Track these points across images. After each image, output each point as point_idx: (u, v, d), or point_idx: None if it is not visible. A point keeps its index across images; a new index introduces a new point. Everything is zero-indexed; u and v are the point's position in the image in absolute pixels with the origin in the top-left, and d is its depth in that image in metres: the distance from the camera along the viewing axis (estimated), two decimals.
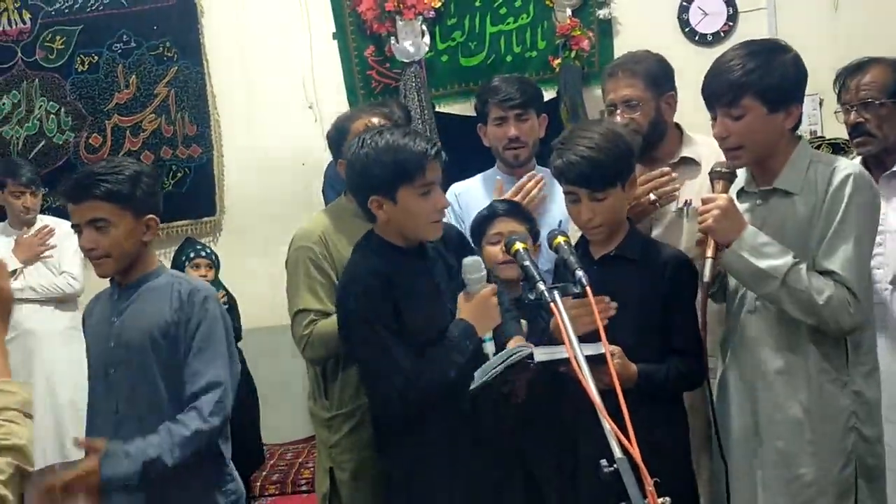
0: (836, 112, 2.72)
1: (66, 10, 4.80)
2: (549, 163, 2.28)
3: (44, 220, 4.30)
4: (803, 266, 2.02)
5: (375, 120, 2.53)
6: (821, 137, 3.94)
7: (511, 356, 1.97)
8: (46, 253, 4.17)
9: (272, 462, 4.66)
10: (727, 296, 2.27)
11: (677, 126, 2.68)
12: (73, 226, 2.22)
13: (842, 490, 2.06)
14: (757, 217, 2.13)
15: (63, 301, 4.16)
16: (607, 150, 2.15)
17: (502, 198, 2.75)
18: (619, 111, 2.57)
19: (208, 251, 4.16)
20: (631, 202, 2.39)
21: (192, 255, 4.11)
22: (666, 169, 2.54)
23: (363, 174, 2.10)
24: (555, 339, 2.17)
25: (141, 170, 2.23)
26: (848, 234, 2.00)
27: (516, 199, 2.73)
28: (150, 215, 2.22)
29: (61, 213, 4.46)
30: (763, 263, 2.02)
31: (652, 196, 2.49)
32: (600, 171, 2.15)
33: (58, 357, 3.96)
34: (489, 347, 2.13)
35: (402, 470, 2.22)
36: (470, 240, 2.54)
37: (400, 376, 2.04)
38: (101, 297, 2.38)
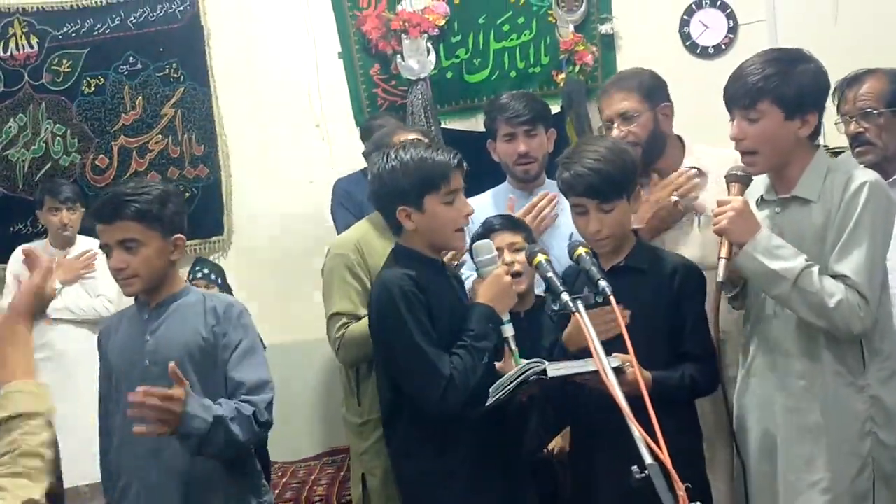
0: (836, 123, 2.77)
1: (73, 34, 4.81)
2: (556, 177, 2.32)
3: (83, 241, 4.28)
4: (815, 269, 2.05)
5: (413, 136, 2.60)
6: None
7: (524, 373, 2.00)
8: (87, 275, 4.17)
9: (284, 480, 4.64)
10: (747, 300, 2.30)
11: (679, 138, 2.72)
12: (101, 246, 2.24)
13: (859, 496, 2.08)
14: (775, 225, 2.17)
15: (96, 323, 4.12)
16: (614, 162, 2.21)
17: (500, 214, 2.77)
18: (616, 125, 2.61)
19: (206, 271, 4.12)
20: (655, 208, 2.44)
21: (199, 275, 4.10)
22: (686, 168, 2.58)
23: (391, 186, 2.21)
24: (567, 350, 2.20)
25: (168, 190, 2.28)
26: (861, 238, 2.03)
27: (527, 217, 2.77)
28: (178, 234, 2.26)
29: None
30: (775, 265, 2.05)
31: (674, 197, 2.54)
32: (608, 183, 2.20)
33: (87, 377, 3.95)
34: (508, 331, 2.19)
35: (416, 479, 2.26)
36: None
37: (440, 377, 2.09)
38: (121, 318, 2.40)
